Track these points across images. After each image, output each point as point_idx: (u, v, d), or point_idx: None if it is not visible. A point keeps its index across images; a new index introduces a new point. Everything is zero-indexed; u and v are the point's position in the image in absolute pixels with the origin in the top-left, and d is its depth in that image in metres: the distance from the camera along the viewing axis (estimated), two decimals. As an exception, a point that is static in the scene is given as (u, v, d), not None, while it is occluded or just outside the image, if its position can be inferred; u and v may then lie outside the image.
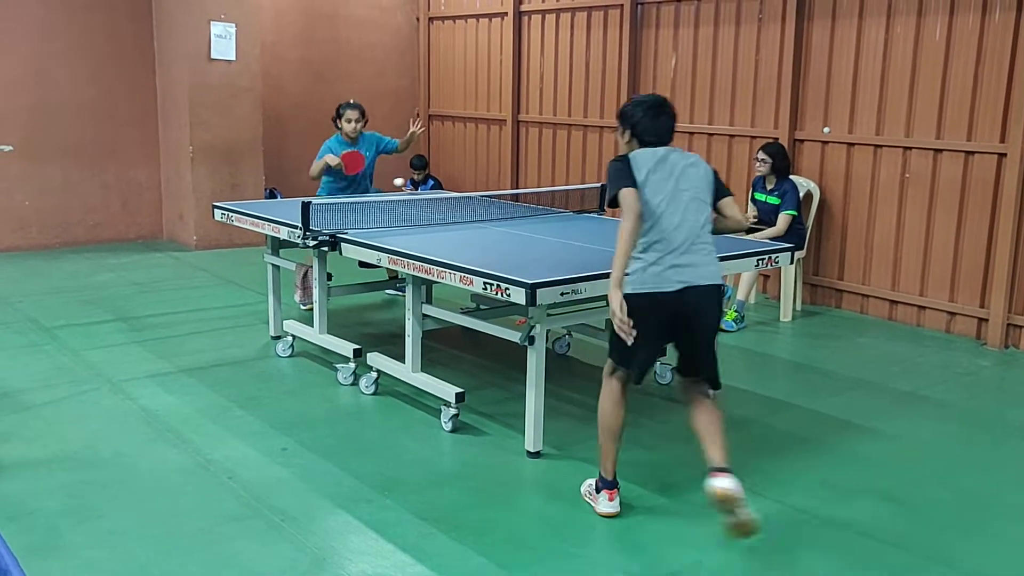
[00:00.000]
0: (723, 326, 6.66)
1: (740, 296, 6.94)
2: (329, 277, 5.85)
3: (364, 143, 7.04)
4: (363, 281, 6.67)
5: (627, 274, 3.56)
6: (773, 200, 7.05)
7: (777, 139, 7.55)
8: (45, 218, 9.17)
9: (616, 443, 3.83)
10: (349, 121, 6.83)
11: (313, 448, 4.46)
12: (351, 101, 7.02)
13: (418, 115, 7.34)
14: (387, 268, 5.86)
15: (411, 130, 7.18)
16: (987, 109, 6.48)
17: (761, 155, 7.10)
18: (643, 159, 3.69)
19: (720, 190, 3.86)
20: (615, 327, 3.51)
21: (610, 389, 3.84)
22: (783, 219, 6.96)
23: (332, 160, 6.73)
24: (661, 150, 3.74)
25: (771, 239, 6.67)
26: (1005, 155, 6.37)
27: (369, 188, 7.27)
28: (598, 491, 3.86)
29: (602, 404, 3.86)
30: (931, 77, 6.74)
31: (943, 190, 6.78)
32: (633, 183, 3.60)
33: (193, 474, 4.15)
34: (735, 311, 6.86)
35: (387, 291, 7.33)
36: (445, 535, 3.64)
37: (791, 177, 7.21)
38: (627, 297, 3.51)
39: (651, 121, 3.78)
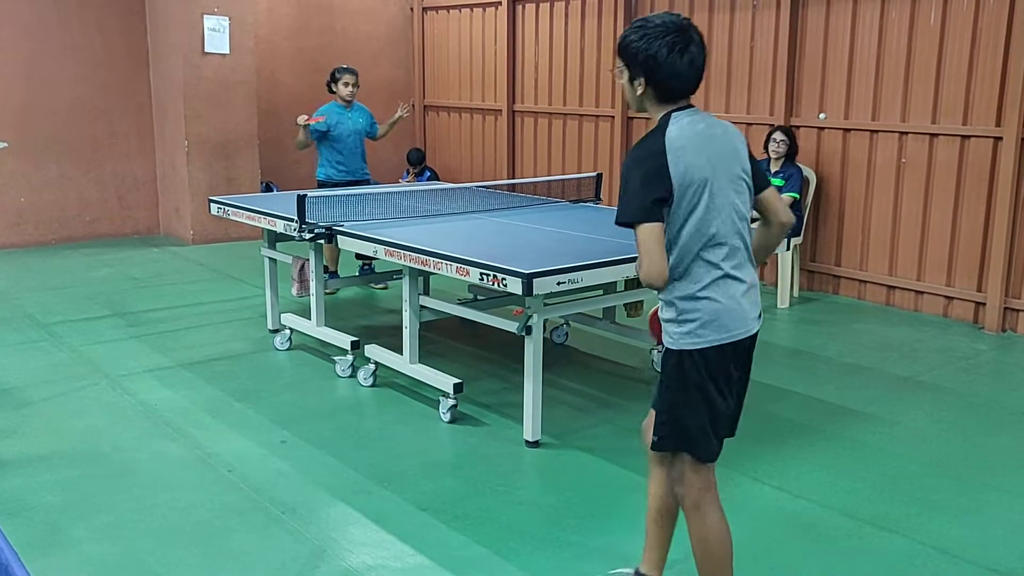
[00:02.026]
0: None
1: None
2: (326, 270, 5.86)
3: (358, 110, 7.18)
4: (360, 273, 6.67)
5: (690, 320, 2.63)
6: (777, 182, 7.05)
7: (772, 126, 7.54)
8: (41, 214, 9.15)
9: None
10: (346, 85, 7.07)
11: (312, 440, 4.46)
12: (345, 65, 7.19)
13: (412, 105, 7.47)
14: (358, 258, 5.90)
15: (397, 113, 7.32)
16: (982, 93, 6.47)
17: (780, 136, 7.10)
18: (678, 140, 2.59)
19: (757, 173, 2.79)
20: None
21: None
22: (785, 200, 6.97)
23: (301, 119, 6.98)
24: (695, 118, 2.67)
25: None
26: (1001, 139, 6.37)
27: (364, 168, 7.31)
28: None
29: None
30: (926, 62, 6.73)
31: (939, 174, 6.77)
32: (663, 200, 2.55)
33: (192, 468, 4.16)
34: None
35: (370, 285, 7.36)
36: (445, 525, 3.65)
37: (796, 164, 7.23)
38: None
39: (678, 57, 2.58)
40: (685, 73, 2.61)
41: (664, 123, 2.64)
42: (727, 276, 2.65)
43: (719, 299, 2.63)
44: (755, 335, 2.76)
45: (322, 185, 7.12)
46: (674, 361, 2.68)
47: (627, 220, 2.57)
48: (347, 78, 7.08)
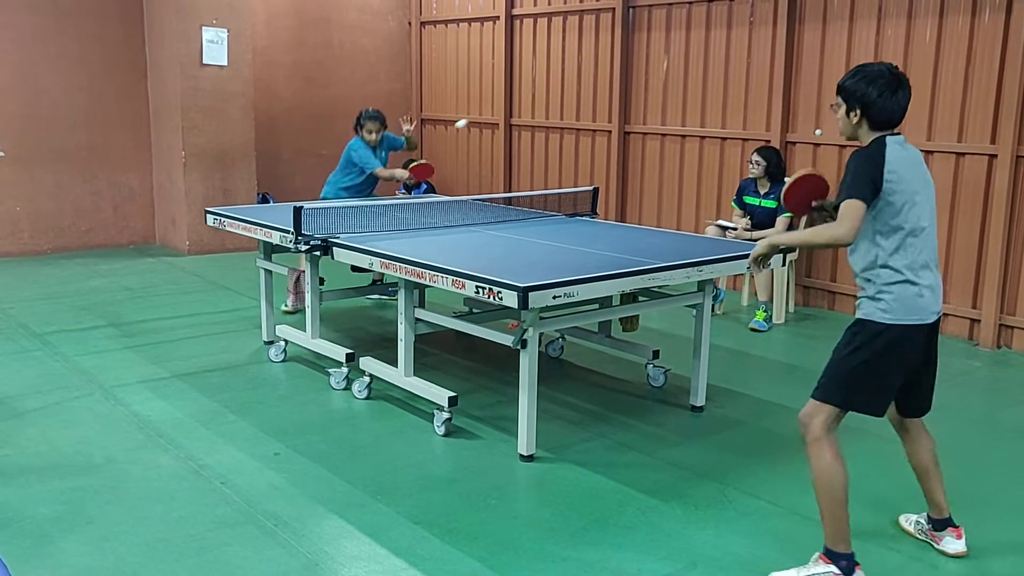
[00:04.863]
0: (756, 326, 6.84)
1: (764, 297, 6.97)
2: (321, 281, 5.85)
3: (380, 145, 7.23)
4: (355, 285, 6.66)
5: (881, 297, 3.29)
6: (769, 203, 7.06)
7: (769, 141, 7.57)
8: (37, 223, 9.14)
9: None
10: (370, 132, 7.13)
11: (306, 453, 4.45)
12: (371, 110, 7.22)
13: (410, 118, 7.51)
14: (373, 273, 5.86)
15: (407, 130, 7.39)
16: (977, 110, 6.50)
17: (756, 157, 7.10)
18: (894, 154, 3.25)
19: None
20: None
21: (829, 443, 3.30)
22: (782, 221, 6.98)
23: (402, 175, 7.07)
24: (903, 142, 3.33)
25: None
26: (995, 156, 6.40)
27: (372, 192, 7.35)
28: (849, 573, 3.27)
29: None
30: (921, 79, 6.75)
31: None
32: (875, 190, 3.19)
33: (185, 480, 4.14)
34: (763, 311, 6.90)
35: (369, 296, 7.32)
36: (439, 539, 3.63)
37: (785, 179, 7.22)
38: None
39: (889, 96, 3.26)
40: (893, 109, 3.28)
41: (881, 143, 3.27)
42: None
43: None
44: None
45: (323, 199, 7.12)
46: None
47: (844, 197, 3.21)
48: (370, 126, 7.06)
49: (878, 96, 3.26)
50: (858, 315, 3.37)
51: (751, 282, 7.54)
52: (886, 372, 3.36)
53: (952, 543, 3.58)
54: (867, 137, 3.34)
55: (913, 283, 3.33)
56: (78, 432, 4.67)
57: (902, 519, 3.82)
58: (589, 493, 4.07)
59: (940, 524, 3.62)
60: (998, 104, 6.38)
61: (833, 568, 3.24)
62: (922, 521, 3.71)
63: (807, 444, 3.30)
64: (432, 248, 4.88)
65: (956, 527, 3.61)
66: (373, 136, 7.08)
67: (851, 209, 3.17)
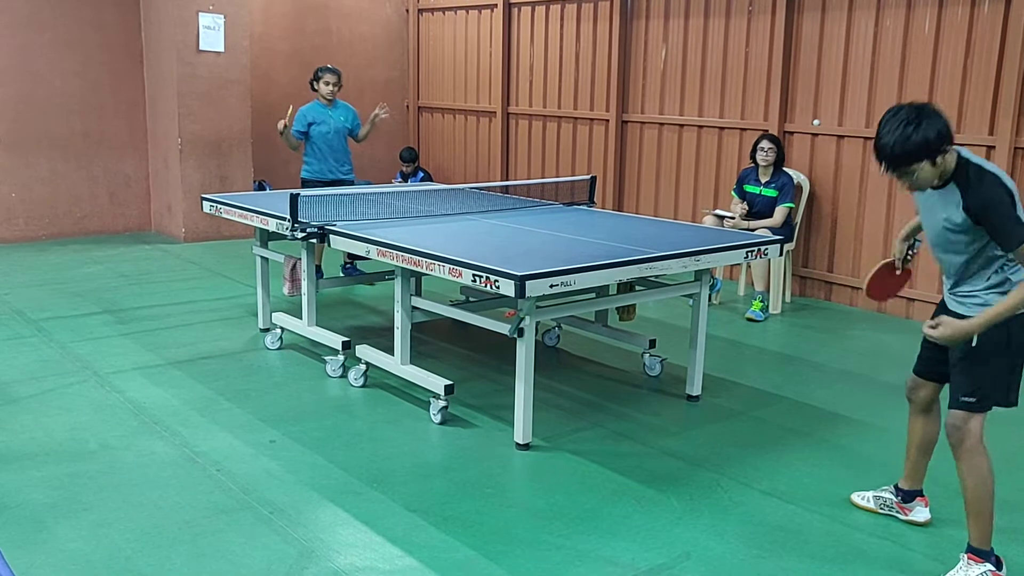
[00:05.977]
0: (752, 316, 6.84)
1: (761, 287, 6.96)
2: (318, 269, 5.84)
3: (340, 109, 7.26)
4: (344, 273, 6.65)
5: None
6: (769, 192, 7.04)
7: (767, 131, 7.55)
8: (32, 210, 9.11)
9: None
10: (327, 84, 7.19)
11: (301, 440, 4.44)
12: (328, 65, 7.32)
13: (384, 105, 7.43)
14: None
15: (375, 112, 7.32)
16: (975, 101, 6.49)
17: (767, 144, 7.04)
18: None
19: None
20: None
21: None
22: (781, 211, 6.97)
23: (280, 125, 7.12)
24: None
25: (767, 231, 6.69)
26: (993, 147, 6.38)
27: (347, 168, 7.35)
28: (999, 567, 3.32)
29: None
30: (920, 70, 6.74)
31: (932, 182, 6.78)
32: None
33: (180, 466, 4.13)
34: (760, 301, 6.89)
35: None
36: (434, 527, 3.63)
37: (785, 169, 7.21)
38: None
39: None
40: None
41: (979, 163, 3.23)
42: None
43: None
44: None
45: (306, 184, 7.18)
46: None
47: (1016, 245, 3.07)
48: (328, 77, 7.18)
49: (941, 117, 3.14)
50: None
51: (748, 272, 7.54)
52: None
53: (923, 512, 3.76)
54: (952, 160, 3.22)
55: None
56: (73, 418, 4.66)
57: (856, 497, 3.91)
58: (584, 482, 4.07)
59: (910, 495, 3.77)
60: (996, 95, 6.37)
61: (987, 565, 3.29)
62: (885, 495, 3.83)
63: (964, 451, 3.34)
64: (429, 236, 4.86)
65: (924, 496, 3.79)
66: (329, 88, 7.13)
67: None
